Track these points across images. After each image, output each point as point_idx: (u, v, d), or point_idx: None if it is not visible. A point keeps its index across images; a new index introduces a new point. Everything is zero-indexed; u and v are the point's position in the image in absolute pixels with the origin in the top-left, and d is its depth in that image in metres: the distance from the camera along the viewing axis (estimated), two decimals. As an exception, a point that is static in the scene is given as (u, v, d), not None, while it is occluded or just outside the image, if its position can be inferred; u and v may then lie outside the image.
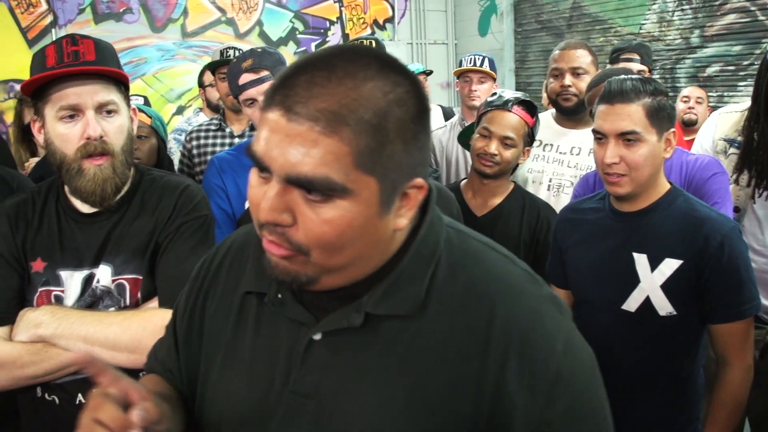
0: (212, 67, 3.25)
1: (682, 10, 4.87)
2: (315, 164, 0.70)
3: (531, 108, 2.11)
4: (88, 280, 1.38)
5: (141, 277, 1.40)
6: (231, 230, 1.76)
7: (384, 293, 0.80)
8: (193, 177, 2.80)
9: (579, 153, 2.49)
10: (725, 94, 4.64)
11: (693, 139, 2.63)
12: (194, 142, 2.91)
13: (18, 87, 4.81)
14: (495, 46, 6.31)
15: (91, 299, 1.38)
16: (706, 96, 4.42)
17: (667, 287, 1.59)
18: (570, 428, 0.79)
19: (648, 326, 1.63)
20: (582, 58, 2.51)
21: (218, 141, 2.90)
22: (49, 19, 4.99)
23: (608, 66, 2.80)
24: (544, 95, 3.50)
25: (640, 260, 1.63)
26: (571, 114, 2.54)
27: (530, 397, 0.77)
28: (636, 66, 2.71)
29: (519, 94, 2.13)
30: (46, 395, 1.38)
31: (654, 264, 1.61)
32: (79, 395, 1.35)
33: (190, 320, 0.98)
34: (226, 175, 2.09)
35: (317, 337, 0.83)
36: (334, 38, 6.26)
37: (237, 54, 3.08)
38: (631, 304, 1.64)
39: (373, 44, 3.38)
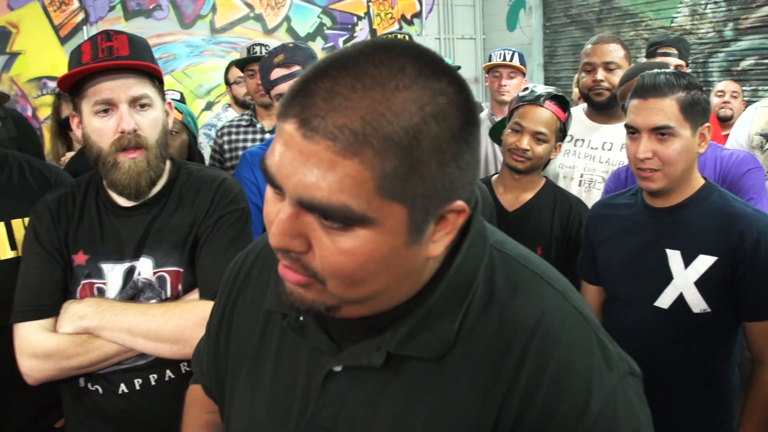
0: (240, 64, 3.28)
1: (716, 2, 4.79)
2: (331, 190, 0.60)
3: (563, 103, 2.10)
4: (129, 273, 1.41)
5: (181, 270, 1.42)
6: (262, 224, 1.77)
7: (409, 332, 0.71)
8: (223, 172, 2.83)
9: (611, 148, 2.47)
10: (760, 88, 4.56)
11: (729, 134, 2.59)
12: (225, 138, 2.95)
13: (51, 84, 4.90)
14: (523, 41, 6.27)
15: (133, 291, 1.40)
16: (741, 90, 4.34)
17: (701, 284, 1.58)
18: None
19: (681, 323, 1.61)
20: (615, 52, 2.48)
21: (249, 136, 2.93)
22: (81, 16, 5.07)
23: (643, 60, 2.76)
24: (574, 90, 3.47)
25: (674, 257, 1.62)
26: (603, 109, 2.51)
27: None
28: (674, 61, 2.66)
29: (551, 89, 2.12)
30: (89, 385, 1.41)
31: (688, 260, 1.60)
32: (122, 385, 1.38)
33: (219, 325, 0.95)
34: (257, 170, 2.11)
35: (338, 369, 0.77)
36: (362, 33, 6.26)
37: (264, 51, 3.11)
38: (664, 301, 1.63)
39: (407, 39, 3.39)
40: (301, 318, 0.79)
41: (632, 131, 1.64)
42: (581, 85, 2.58)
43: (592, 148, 2.51)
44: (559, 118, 2.08)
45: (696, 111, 1.59)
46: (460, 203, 0.67)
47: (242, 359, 0.88)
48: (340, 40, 6.18)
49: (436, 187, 0.64)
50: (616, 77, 2.43)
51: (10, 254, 1.61)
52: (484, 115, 3.18)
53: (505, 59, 3.22)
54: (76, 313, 1.36)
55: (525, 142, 2.05)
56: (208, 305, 1.13)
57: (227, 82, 3.71)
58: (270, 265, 0.87)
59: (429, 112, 0.62)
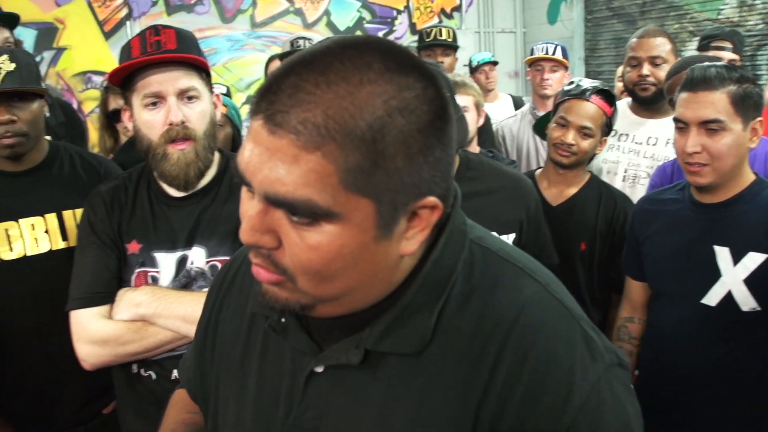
0: (283, 58, 3.30)
1: (765, -7, 4.67)
2: (296, 184, 0.60)
3: (609, 97, 2.08)
4: (181, 262, 1.45)
5: None
6: None
7: (386, 329, 0.71)
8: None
9: (656, 143, 2.43)
10: (810, 82, 4.44)
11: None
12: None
13: (95, 78, 5.01)
14: (564, 34, 6.18)
15: (186, 280, 1.44)
16: (792, 84, 4.23)
17: (751, 282, 1.55)
18: None
19: (729, 322, 1.59)
20: (661, 46, 2.43)
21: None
22: (124, 12, 5.17)
23: (689, 54, 2.70)
24: (617, 84, 3.42)
25: (722, 253, 1.59)
26: (649, 104, 2.48)
27: None
28: (727, 55, 2.59)
29: (597, 83, 2.10)
30: (142, 371, 1.45)
31: (737, 258, 1.57)
32: (175, 371, 1.41)
33: (205, 329, 0.94)
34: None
35: (319, 369, 0.76)
36: (401, 27, 6.26)
37: (308, 44, 3.13)
38: (712, 298, 1.61)
39: (450, 34, 3.38)
40: (283, 320, 0.78)
41: (681, 125, 1.62)
42: (626, 79, 2.54)
43: (636, 143, 2.47)
44: (605, 112, 2.06)
45: (748, 105, 1.56)
46: (432, 199, 0.66)
47: (228, 363, 0.88)
48: (380, 34, 6.19)
49: (403, 182, 0.63)
50: (662, 72, 2.39)
51: (62, 245, 1.66)
52: (525, 109, 3.16)
53: (547, 53, 3.20)
54: (132, 301, 1.40)
55: (570, 137, 2.04)
56: None
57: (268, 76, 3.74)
58: None
59: (394, 105, 0.61)
